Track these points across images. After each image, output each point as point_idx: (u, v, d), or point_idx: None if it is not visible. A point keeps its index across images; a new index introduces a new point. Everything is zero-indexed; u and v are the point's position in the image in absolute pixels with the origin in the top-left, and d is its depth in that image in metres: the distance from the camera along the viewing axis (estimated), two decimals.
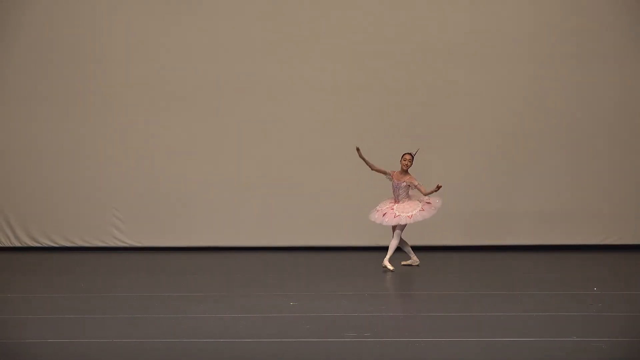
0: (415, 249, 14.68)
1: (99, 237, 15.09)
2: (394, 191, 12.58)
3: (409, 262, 12.86)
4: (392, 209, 12.46)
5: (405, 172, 12.52)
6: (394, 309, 10.20)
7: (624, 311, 9.90)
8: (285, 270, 13.32)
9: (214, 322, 9.44)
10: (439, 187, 12.21)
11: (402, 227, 12.52)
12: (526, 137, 14.83)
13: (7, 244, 15.14)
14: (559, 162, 14.84)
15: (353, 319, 9.75)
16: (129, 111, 15.02)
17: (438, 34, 14.82)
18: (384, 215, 12.47)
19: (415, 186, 12.45)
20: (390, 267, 12.43)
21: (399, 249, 12.79)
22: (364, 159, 12.53)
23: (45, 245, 15.12)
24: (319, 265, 13.76)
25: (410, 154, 12.56)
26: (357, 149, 12.52)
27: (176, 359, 8.03)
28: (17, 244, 15.13)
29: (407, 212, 12.40)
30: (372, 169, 12.59)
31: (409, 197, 12.50)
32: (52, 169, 15.06)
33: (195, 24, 14.92)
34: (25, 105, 15.01)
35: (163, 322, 9.36)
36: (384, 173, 12.61)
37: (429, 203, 12.47)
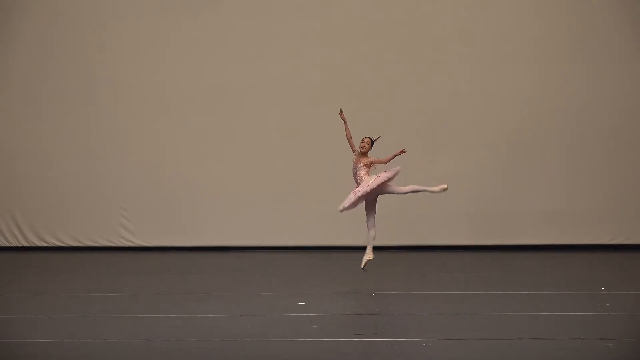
0: (423, 248, 14.70)
1: (106, 237, 15.11)
2: (354, 176, 12.33)
3: (363, 260, 12.42)
4: (353, 192, 12.23)
5: (363, 154, 12.31)
6: (401, 308, 10.19)
7: (631, 311, 9.89)
8: (292, 269, 13.33)
9: (221, 321, 9.44)
10: (402, 151, 11.99)
11: (373, 214, 12.20)
12: (534, 138, 14.81)
13: (14, 243, 15.16)
14: (566, 162, 14.82)
15: (360, 318, 9.75)
16: (136, 112, 15.03)
17: (445, 35, 14.81)
18: (350, 198, 12.19)
19: (373, 162, 12.18)
20: (441, 186, 12.16)
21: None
22: (344, 122, 12.34)
23: (53, 245, 15.14)
24: (325, 265, 13.76)
25: (370, 138, 12.35)
26: (341, 110, 12.35)
27: (183, 359, 8.03)
28: (25, 244, 15.15)
29: (365, 183, 12.14)
30: (347, 137, 12.33)
31: (368, 175, 12.21)
32: (59, 169, 15.07)
33: (203, 23, 14.93)
34: (32, 105, 15.04)
35: (170, 321, 9.36)
36: (352, 149, 12.36)
37: (378, 177, 12.21)
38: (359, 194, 12.07)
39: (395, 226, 14.63)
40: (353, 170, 12.23)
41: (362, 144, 12.23)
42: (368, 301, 10.81)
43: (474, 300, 10.48)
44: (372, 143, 12.22)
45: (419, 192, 12.29)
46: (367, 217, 12.39)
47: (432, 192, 12.22)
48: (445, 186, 12.16)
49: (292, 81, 14.94)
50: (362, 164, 12.20)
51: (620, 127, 14.79)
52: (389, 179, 12.10)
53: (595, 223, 14.82)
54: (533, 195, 14.83)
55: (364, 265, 12.21)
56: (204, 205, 15.01)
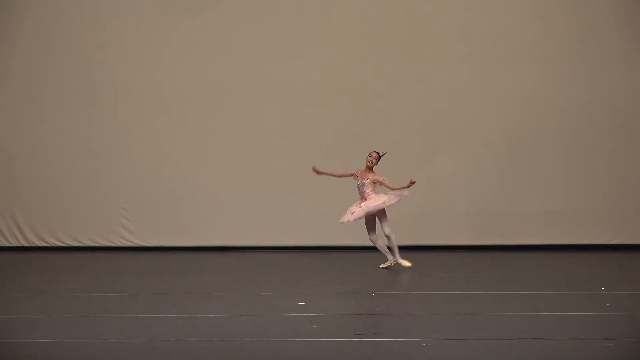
0: (423, 248, 14.68)
1: (106, 237, 15.11)
2: (359, 191, 12.40)
3: (387, 264, 12.68)
4: (360, 206, 12.33)
5: (369, 169, 12.35)
6: (401, 308, 10.19)
7: (631, 311, 9.88)
8: (292, 269, 13.32)
9: (221, 321, 9.44)
10: (412, 183, 12.07)
11: (374, 229, 12.36)
12: (534, 138, 14.81)
13: (14, 243, 15.17)
14: (566, 162, 14.82)
15: (360, 318, 9.75)
16: (137, 111, 15.03)
17: (445, 35, 14.80)
18: (352, 213, 12.33)
19: (381, 182, 12.25)
20: (407, 263, 12.42)
21: (375, 248, 12.75)
22: (325, 174, 12.44)
23: (53, 245, 15.14)
24: (325, 265, 13.76)
25: (377, 152, 12.38)
26: (313, 168, 12.46)
27: (183, 359, 8.03)
28: (25, 244, 15.16)
29: (374, 202, 12.25)
30: (337, 177, 12.48)
31: (375, 193, 12.34)
32: (59, 168, 15.07)
33: (203, 23, 14.93)
34: (33, 105, 15.04)
35: (170, 321, 9.36)
36: (349, 175, 12.46)
37: (388, 199, 12.35)
38: (367, 210, 12.11)
39: (395, 227, 14.62)
40: (359, 184, 12.27)
41: (369, 159, 12.26)
42: (368, 301, 10.81)
43: (474, 300, 10.48)
44: (380, 158, 12.25)
45: (389, 244, 12.36)
46: (369, 233, 12.45)
47: (395, 257, 12.33)
48: (409, 265, 12.24)
49: (292, 81, 14.93)
50: (369, 179, 12.22)
51: (620, 127, 14.79)
52: (397, 202, 12.19)
53: (595, 223, 14.82)
54: (533, 195, 14.83)
55: (386, 267, 12.35)
56: (204, 205, 15.00)
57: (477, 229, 14.87)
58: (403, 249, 13.40)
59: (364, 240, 13.79)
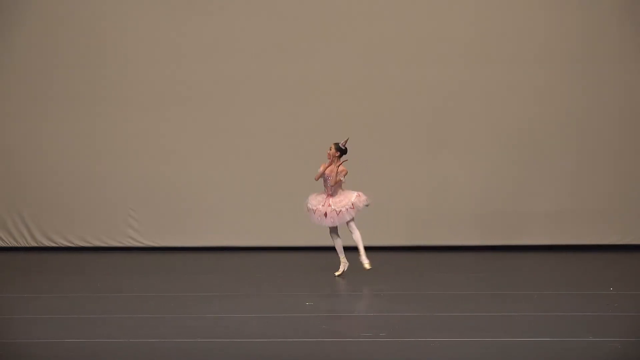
0: (428, 248, 14.66)
1: (114, 237, 15.12)
2: (325, 183, 12.20)
3: (340, 270, 12.31)
4: (330, 206, 12.14)
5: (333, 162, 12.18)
6: (409, 309, 10.19)
7: (639, 311, 9.87)
8: (299, 269, 13.32)
9: (228, 321, 9.45)
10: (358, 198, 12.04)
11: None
12: (540, 138, 14.78)
13: (22, 243, 15.18)
14: (573, 162, 14.79)
15: (369, 318, 9.75)
16: (143, 111, 15.03)
17: (450, 36, 14.77)
18: (325, 216, 12.12)
19: (337, 171, 12.03)
20: (367, 265, 12.19)
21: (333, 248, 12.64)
22: (320, 175, 12.19)
23: (61, 245, 15.15)
24: (332, 265, 13.74)
25: (338, 144, 12.21)
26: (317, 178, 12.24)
27: (184, 359, 8.04)
28: (33, 244, 15.17)
29: (346, 204, 12.06)
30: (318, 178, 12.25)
31: (341, 187, 12.14)
32: (67, 169, 15.08)
33: (207, 23, 14.93)
34: (40, 104, 15.05)
35: (176, 321, 9.37)
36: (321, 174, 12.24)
37: (359, 196, 12.16)
38: (353, 214, 11.99)
39: (400, 226, 14.64)
40: (325, 179, 12.07)
41: (329, 153, 12.06)
42: (376, 301, 10.80)
43: (481, 301, 10.48)
44: (340, 149, 12.06)
45: (357, 244, 12.17)
46: (331, 230, 12.30)
47: (361, 254, 12.10)
48: (369, 267, 12.05)
49: (295, 82, 14.92)
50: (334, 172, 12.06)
51: (629, 125, 14.74)
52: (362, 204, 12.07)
53: (603, 223, 14.78)
54: (539, 196, 14.79)
55: (340, 274, 12.20)
56: (211, 206, 15.00)
57: (482, 229, 14.84)
58: (406, 249, 13.45)
59: (366, 240, 13.78)
